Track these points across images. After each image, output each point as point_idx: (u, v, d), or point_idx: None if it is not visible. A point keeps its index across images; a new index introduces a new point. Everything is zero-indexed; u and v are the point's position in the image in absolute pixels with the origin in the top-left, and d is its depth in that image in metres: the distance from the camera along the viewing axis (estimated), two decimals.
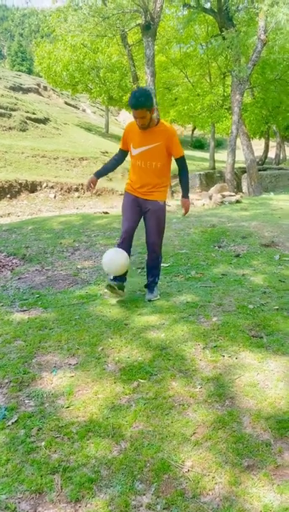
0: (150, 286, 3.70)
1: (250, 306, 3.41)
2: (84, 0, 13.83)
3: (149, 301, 3.61)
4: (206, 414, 2.17)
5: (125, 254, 3.43)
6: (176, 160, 3.47)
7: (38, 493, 1.75)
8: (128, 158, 3.59)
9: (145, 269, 3.81)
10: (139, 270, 4.55)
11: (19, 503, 1.71)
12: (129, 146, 3.45)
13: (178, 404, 2.25)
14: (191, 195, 13.72)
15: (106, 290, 3.66)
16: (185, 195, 3.59)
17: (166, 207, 3.66)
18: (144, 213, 3.53)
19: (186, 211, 3.62)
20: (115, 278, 3.54)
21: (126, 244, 3.50)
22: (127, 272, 3.59)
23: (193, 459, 1.90)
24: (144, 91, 3.20)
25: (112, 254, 3.46)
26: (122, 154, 3.57)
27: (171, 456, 1.92)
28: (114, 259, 3.42)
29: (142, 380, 2.45)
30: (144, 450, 1.95)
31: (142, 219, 3.58)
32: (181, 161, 3.46)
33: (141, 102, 3.09)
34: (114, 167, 3.65)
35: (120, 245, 3.49)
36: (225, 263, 4.78)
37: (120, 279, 3.56)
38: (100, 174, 3.60)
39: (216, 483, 1.78)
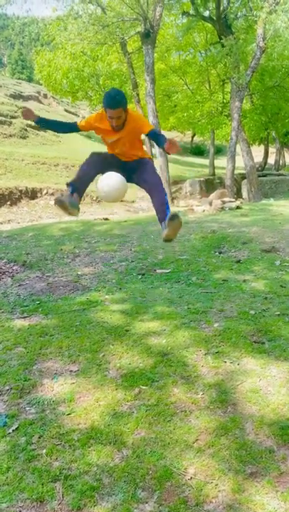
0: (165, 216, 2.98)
1: (252, 312, 3.40)
2: (84, 9, 13.97)
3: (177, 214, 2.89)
4: (208, 420, 2.16)
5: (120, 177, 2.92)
6: (148, 135, 3.04)
7: (40, 502, 1.73)
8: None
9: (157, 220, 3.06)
10: (140, 276, 4.55)
11: (20, 511, 1.69)
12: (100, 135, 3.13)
13: (180, 411, 2.24)
14: (191, 201, 13.60)
15: (55, 204, 2.94)
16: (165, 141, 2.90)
17: None
18: (130, 174, 3.10)
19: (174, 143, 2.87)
20: (73, 191, 2.95)
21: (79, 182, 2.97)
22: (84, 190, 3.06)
23: (195, 466, 1.89)
24: (119, 90, 3.00)
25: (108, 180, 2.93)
26: (75, 128, 3.17)
27: (174, 464, 1.90)
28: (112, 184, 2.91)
29: (143, 387, 2.44)
30: (146, 457, 1.94)
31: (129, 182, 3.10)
32: (154, 133, 3.01)
33: (118, 100, 2.87)
34: (63, 127, 3.28)
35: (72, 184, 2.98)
36: (226, 269, 4.77)
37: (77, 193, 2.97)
38: (43, 120, 3.15)
39: (219, 491, 1.76)
